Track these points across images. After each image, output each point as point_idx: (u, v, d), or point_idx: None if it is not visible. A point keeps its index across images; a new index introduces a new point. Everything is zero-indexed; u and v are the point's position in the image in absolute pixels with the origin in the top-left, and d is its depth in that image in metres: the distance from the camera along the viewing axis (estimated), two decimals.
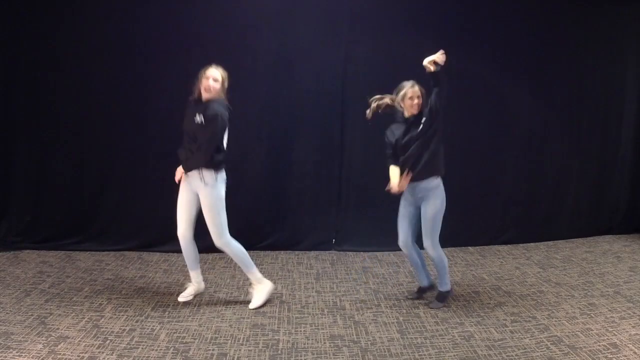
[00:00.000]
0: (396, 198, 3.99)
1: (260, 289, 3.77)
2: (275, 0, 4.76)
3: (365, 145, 5.02)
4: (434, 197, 3.60)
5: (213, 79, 3.49)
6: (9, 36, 4.65)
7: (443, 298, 3.80)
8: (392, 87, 4.91)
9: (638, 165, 5.74)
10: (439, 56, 3.42)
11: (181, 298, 3.83)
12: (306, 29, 4.80)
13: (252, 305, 3.71)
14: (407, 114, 3.63)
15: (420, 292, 3.95)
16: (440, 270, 3.76)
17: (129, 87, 4.74)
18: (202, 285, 3.94)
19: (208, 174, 3.50)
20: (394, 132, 3.69)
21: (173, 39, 4.70)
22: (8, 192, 4.87)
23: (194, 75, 4.70)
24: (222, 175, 3.60)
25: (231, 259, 3.81)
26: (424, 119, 3.54)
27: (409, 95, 3.58)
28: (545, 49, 5.23)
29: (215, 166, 3.51)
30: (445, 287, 3.79)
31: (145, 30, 4.67)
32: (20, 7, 4.61)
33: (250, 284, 3.83)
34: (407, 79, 4.49)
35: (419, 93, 3.58)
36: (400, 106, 3.65)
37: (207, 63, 4.65)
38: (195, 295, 3.90)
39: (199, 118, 3.46)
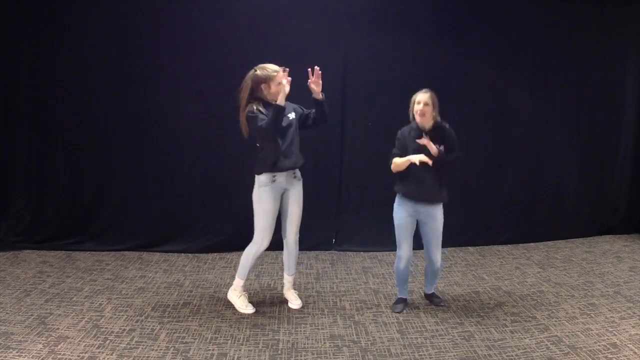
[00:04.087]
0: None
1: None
2: (276, 0, 4.77)
3: (365, 145, 5.02)
4: (440, 210, 3.57)
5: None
6: (9, 36, 4.65)
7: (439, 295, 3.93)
8: (391, 87, 4.95)
9: (638, 165, 5.73)
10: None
11: (295, 305, 3.77)
12: (306, 29, 4.80)
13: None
14: (417, 120, 3.47)
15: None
16: (436, 278, 3.84)
17: (129, 87, 4.74)
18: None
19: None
20: (404, 133, 3.54)
21: (173, 39, 4.70)
22: (8, 192, 4.87)
23: (193, 75, 4.75)
24: None
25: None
26: (441, 147, 3.39)
27: (417, 99, 3.46)
28: (545, 49, 5.22)
29: None
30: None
31: (145, 31, 4.68)
32: (21, 8, 4.61)
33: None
34: (407, 79, 4.47)
35: (427, 100, 3.43)
36: (412, 112, 3.52)
37: (207, 63, 4.74)
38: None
39: (291, 116, 3.69)
